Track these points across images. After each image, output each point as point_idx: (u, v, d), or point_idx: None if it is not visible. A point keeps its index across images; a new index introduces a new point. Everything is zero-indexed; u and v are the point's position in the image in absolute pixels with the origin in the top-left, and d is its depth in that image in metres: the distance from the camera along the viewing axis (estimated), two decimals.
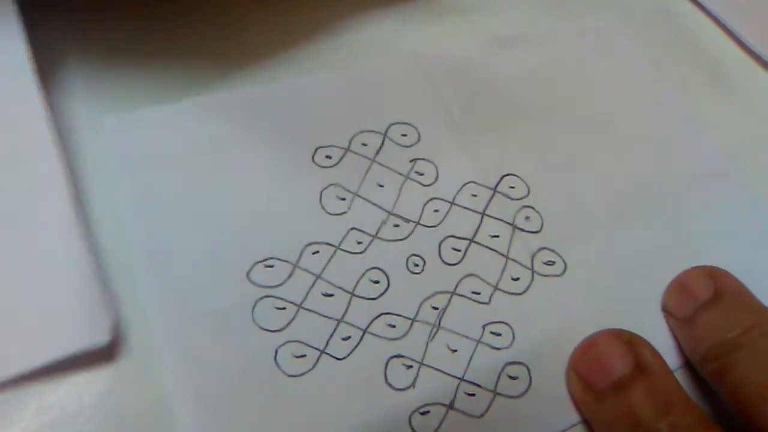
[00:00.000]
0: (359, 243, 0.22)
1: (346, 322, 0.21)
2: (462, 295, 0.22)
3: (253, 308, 0.21)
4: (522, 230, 0.24)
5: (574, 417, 0.21)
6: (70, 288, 0.19)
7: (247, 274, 0.21)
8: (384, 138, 0.25)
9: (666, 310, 0.23)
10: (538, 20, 0.31)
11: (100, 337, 0.19)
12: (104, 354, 0.19)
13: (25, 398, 0.18)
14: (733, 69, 0.31)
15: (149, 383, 0.19)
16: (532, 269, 0.23)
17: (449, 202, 0.24)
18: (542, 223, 0.24)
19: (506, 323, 0.22)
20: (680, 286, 0.23)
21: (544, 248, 0.24)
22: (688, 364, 0.22)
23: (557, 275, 0.23)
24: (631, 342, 0.20)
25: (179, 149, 0.23)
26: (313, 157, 0.24)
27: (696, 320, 0.21)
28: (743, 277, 0.22)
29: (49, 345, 0.18)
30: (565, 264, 0.24)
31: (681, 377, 0.22)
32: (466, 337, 0.21)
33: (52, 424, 0.18)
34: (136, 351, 0.19)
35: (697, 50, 0.32)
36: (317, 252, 0.22)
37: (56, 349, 0.18)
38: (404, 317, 0.21)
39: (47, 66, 0.23)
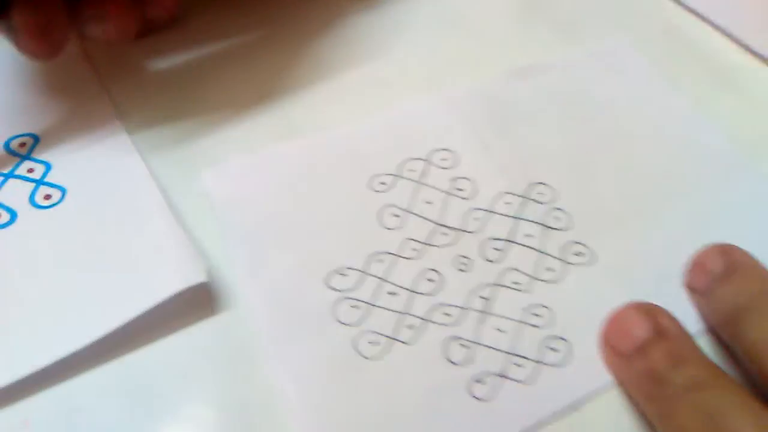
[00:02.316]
0: (414, 250, 0.27)
1: (409, 314, 0.25)
2: (505, 286, 0.26)
3: (333, 307, 0.25)
4: (552, 228, 0.28)
5: (609, 380, 0.24)
6: (172, 251, 0.26)
7: (326, 281, 0.26)
8: (427, 163, 0.30)
9: (688, 287, 0.26)
10: (550, 48, 0.35)
11: (198, 277, 0.25)
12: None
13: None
14: (739, 71, 0.34)
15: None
16: (564, 260, 0.27)
17: (487, 211, 0.28)
18: (570, 222, 0.28)
19: (545, 306, 0.26)
20: (697, 264, 0.26)
21: (573, 242, 0.28)
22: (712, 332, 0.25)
23: (586, 264, 0.27)
24: (649, 311, 0.24)
25: (264, 188, 0.28)
26: (370, 183, 0.29)
27: (713, 292, 0.25)
28: (759, 253, 0.25)
29: (162, 287, 0.25)
30: (594, 254, 0.27)
31: (706, 344, 0.25)
32: (511, 319, 0.26)
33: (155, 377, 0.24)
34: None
35: (705, 59, 0.35)
36: (381, 260, 0.27)
37: (162, 291, 0.24)
38: (457, 307, 0.26)
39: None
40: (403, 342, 0.25)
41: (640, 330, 0.23)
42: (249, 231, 0.27)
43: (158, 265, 0.26)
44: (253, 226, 0.27)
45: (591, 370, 0.24)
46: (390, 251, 0.27)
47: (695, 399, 0.21)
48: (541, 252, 0.27)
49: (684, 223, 0.28)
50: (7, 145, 0.30)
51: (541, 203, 0.29)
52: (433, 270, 0.27)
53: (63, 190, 0.29)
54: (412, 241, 0.27)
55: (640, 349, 0.23)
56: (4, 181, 0.29)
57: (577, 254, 0.27)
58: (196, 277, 0.25)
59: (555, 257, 0.27)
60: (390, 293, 0.26)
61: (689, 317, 0.25)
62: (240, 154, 0.30)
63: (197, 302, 0.25)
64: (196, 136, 0.31)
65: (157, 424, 0.23)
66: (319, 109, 0.32)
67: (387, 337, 0.25)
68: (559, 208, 0.29)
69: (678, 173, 0.30)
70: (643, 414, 0.23)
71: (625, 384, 0.24)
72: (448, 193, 0.29)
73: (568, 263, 0.27)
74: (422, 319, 0.25)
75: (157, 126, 0.31)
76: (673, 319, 0.23)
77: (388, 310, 0.26)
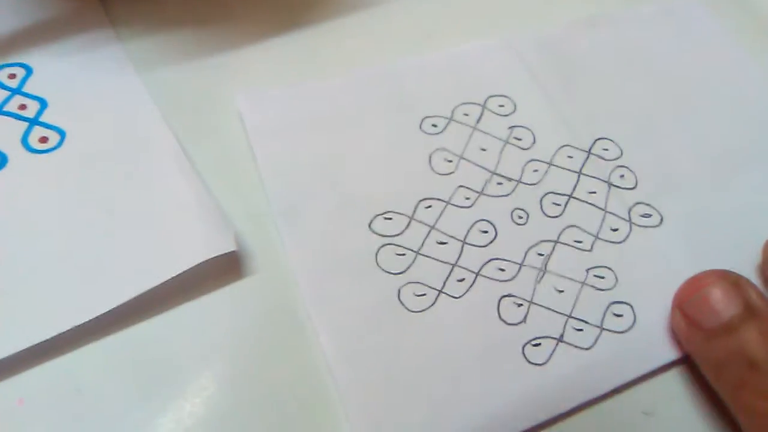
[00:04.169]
0: (467, 198, 0.25)
1: (459, 266, 0.23)
2: (565, 243, 0.24)
3: (377, 254, 0.23)
4: (618, 187, 0.26)
5: (676, 352, 0.22)
6: (198, 215, 0.23)
7: (369, 224, 0.24)
8: (483, 108, 0.27)
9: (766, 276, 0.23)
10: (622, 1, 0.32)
11: (227, 246, 0.22)
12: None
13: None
14: None
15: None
16: (629, 221, 0.25)
17: (547, 163, 0.26)
18: (636, 181, 0.26)
19: (608, 267, 0.24)
20: None
21: (639, 203, 0.25)
22: None
23: (654, 226, 0.25)
24: (738, 283, 0.21)
25: (305, 122, 0.26)
26: (420, 125, 0.26)
27: None
28: None
29: (188, 254, 0.22)
30: (661, 216, 0.25)
31: None
32: (572, 279, 0.23)
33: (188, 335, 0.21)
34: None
35: None
36: (430, 206, 0.24)
37: (185, 261, 0.21)
38: (512, 262, 0.23)
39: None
40: (451, 296, 0.23)
41: (728, 304, 0.20)
42: (287, 167, 0.25)
43: (180, 228, 0.22)
44: (291, 162, 0.25)
45: (657, 340, 0.22)
46: (441, 198, 0.25)
47: None
48: (605, 210, 0.25)
49: (756, 192, 0.26)
50: None
51: (605, 159, 0.26)
52: (486, 221, 0.24)
53: (62, 133, 0.25)
54: (465, 189, 0.25)
55: (728, 327, 0.20)
56: None
57: (644, 215, 0.25)
58: (224, 246, 0.22)
59: (620, 217, 0.25)
60: (439, 242, 0.24)
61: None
62: (276, 87, 0.27)
63: (221, 267, 0.22)
64: (210, 77, 0.27)
65: (173, 401, 0.20)
66: (353, 45, 0.29)
67: (434, 289, 0.23)
68: (624, 166, 0.26)
69: (750, 141, 0.28)
70: (717, 393, 0.21)
71: (702, 361, 0.21)
72: (506, 142, 0.26)
73: (634, 224, 0.25)
74: (474, 272, 0.23)
75: (167, 64, 0.27)
76: (762, 296, 0.21)
77: (437, 260, 0.23)
